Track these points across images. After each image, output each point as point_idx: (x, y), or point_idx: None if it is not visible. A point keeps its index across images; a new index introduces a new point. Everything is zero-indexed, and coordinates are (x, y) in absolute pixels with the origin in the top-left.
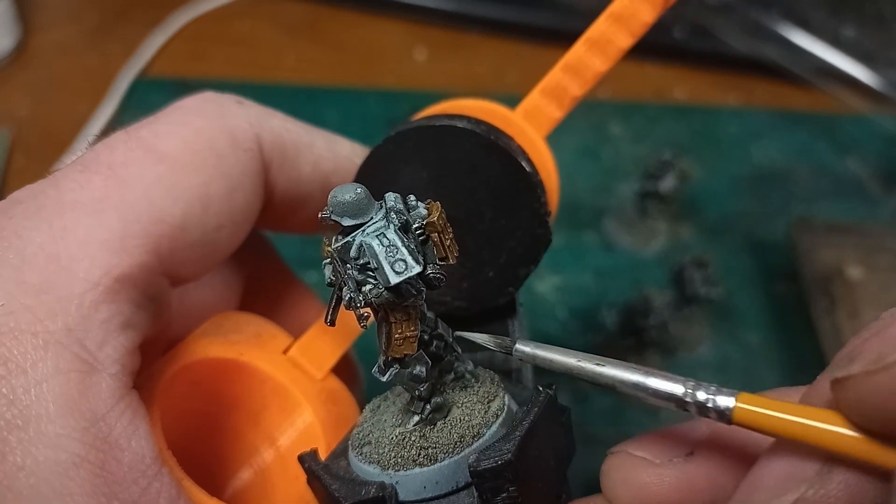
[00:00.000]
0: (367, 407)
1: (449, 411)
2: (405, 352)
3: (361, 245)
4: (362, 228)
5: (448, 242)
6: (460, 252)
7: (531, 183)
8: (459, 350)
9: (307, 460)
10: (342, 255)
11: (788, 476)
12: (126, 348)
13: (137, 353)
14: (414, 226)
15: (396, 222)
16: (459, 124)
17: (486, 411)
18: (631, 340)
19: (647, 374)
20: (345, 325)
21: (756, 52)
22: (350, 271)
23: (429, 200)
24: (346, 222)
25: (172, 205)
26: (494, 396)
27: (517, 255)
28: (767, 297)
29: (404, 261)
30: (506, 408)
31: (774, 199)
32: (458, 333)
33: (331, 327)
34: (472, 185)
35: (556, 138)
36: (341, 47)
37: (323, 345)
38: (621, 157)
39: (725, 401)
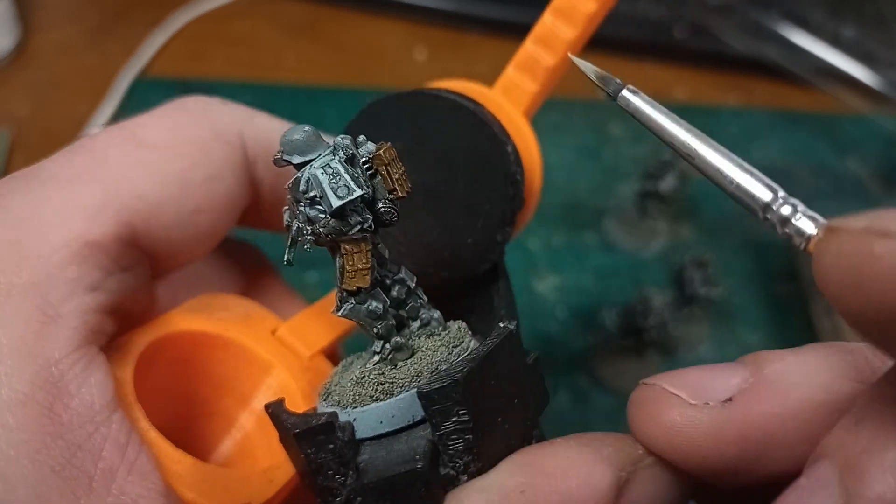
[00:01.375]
0: (339, 364)
1: (413, 354)
2: (358, 284)
3: (309, 179)
4: (311, 164)
5: (397, 176)
6: (439, 221)
7: (499, 142)
8: (424, 298)
9: (271, 406)
10: (294, 192)
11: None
12: (91, 307)
13: (106, 316)
14: (361, 159)
15: (342, 155)
16: (427, 90)
17: (449, 353)
18: (631, 340)
19: (742, 168)
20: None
21: (756, 52)
22: (302, 208)
23: (381, 142)
24: (296, 160)
25: (150, 184)
26: (461, 342)
27: (493, 220)
28: (767, 297)
29: (347, 186)
30: (469, 350)
31: None
32: (572, 57)
33: (329, 311)
34: (446, 152)
35: (555, 138)
36: (341, 47)
37: (314, 327)
38: (621, 157)
39: (807, 225)
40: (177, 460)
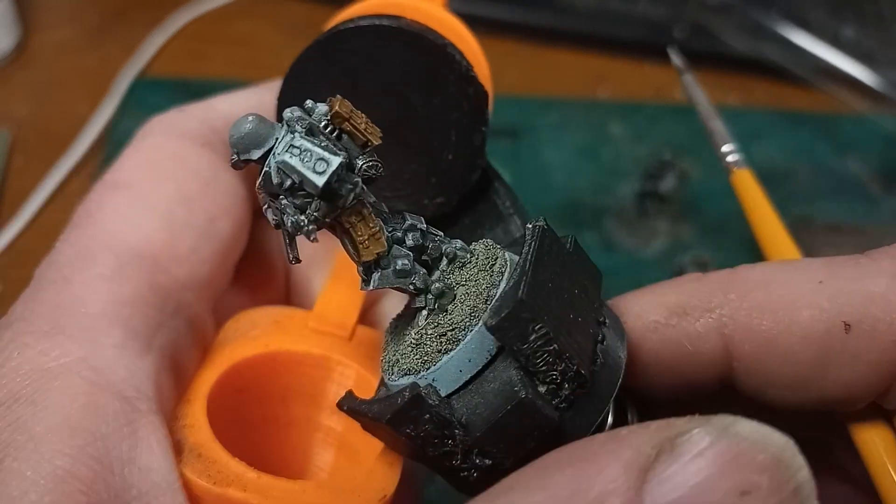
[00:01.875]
0: (385, 332)
1: (455, 294)
2: (376, 251)
3: (279, 168)
4: (272, 153)
5: (363, 126)
6: (412, 150)
7: (437, 47)
8: (440, 233)
9: (344, 403)
10: (268, 188)
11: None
12: (145, 371)
13: (166, 375)
14: (321, 125)
15: (300, 130)
16: (342, 27)
17: (490, 275)
18: None
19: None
20: (353, 281)
21: (756, 52)
22: (285, 201)
23: (329, 98)
24: (255, 155)
25: (154, 219)
26: (495, 259)
27: (465, 126)
28: None
29: (322, 159)
30: (508, 263)
31: (774, 199)
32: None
33: (349, 287)
34: (388, 80)
35: (555, 138)
36: None
37: (340, 304)
38: (621, 157)
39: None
40: (300, 491)
